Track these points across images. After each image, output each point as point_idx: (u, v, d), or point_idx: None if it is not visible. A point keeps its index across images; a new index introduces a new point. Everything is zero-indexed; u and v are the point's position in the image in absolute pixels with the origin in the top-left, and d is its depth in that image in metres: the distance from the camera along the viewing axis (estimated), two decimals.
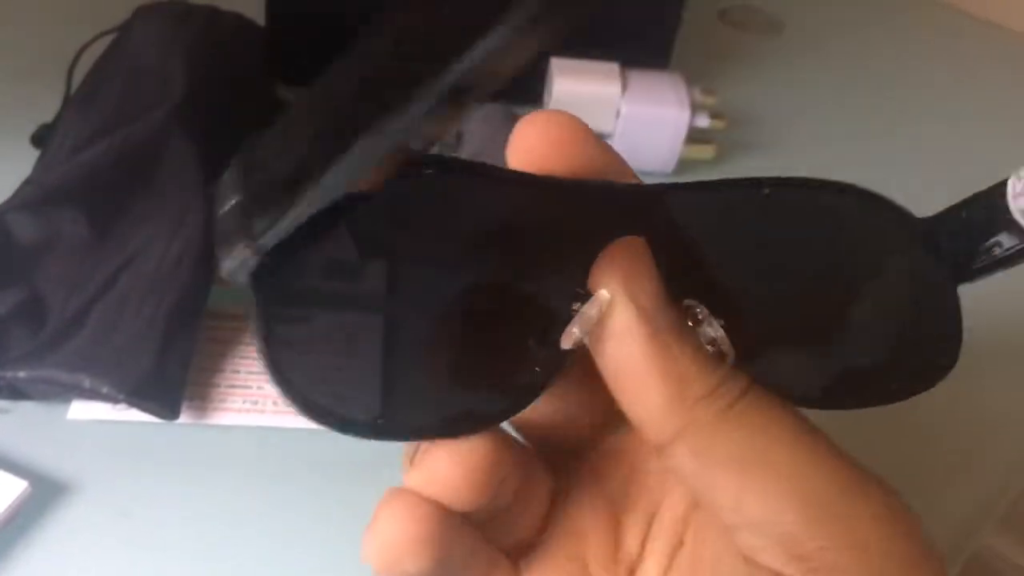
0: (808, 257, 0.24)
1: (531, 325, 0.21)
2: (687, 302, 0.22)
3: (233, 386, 0.43)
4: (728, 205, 0.23)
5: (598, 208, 0.22)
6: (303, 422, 0.42)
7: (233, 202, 0.17)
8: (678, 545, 0.23)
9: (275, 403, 0.43)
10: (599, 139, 0.22)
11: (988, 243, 0.23)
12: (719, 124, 0.58)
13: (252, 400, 0.43)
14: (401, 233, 0.20)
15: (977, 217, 0.23)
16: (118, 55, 0.52)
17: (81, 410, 0.41)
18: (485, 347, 0.21)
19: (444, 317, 0.21)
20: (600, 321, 0.20)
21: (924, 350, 0.24)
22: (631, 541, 0.23)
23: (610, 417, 0.24)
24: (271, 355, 0.19)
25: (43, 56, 0.54)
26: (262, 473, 0.40)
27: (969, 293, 0.23)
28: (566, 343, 0.20)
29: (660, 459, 0.21)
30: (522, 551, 0.23)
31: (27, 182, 0.46)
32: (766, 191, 0.23)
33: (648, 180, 0.22)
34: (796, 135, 0.65)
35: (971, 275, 0.23)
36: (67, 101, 0.51)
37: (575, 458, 0.25)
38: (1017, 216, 0.22)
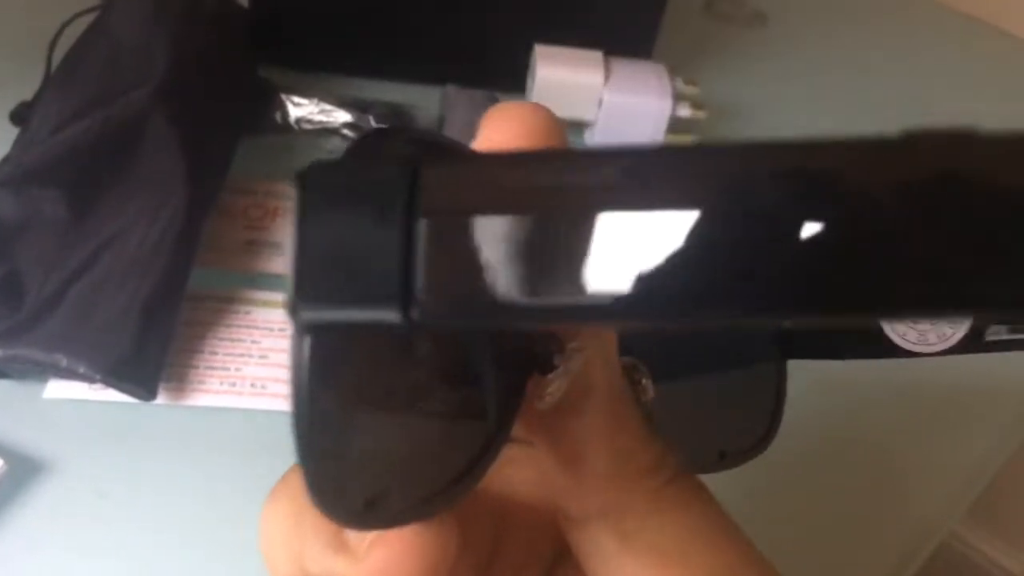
0: None
1: (496, 376, 0.18)
2: (626, 360, 0.19)
3: (211, 368, 0.43)
4: None
5: None
6: (279, 404, 0.42)
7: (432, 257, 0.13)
8: None
9: (252, 385, 0.43)
10: (564, 136, 0.20)
11: (834, 336, 0.23)
12: (700, 114, 0.58)
13: (230, 382, 0.43)
14: None
15: None
16: (99, 33, 0.51)
17: (58, 389, 0.41)
18: (451, 409, 0.18)
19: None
20: (577, 377, 0.17)
21: (748, 416, 0.24)
22: None
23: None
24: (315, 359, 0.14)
25: (23, 33, 0.53)
26: (239, 454, 0.40)
27: None
28: (547, 403, 0.17)
29: (574, 531, 0.19)
30: None
31: (5, 160, 0.45)
32: None
33: None
34: (778, 127, 0.65)
35: (804, 355, 0.24)
36: (47, 79, 0.51)
37: None
38: (885, 328, 0.22)
